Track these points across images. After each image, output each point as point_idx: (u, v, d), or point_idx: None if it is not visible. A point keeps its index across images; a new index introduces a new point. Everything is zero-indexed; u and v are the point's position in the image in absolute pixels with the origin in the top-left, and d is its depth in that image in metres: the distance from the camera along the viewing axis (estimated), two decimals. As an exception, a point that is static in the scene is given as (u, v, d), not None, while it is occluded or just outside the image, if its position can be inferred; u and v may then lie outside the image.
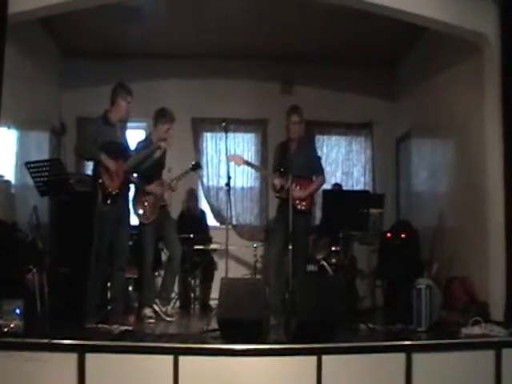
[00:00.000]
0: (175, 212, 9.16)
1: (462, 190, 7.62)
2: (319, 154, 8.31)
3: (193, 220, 9.19)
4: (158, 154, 7.03)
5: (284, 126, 7.07)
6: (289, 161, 6.62)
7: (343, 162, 10.33)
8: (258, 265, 8.87)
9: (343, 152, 10.38)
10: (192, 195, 9.48)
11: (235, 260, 9.33)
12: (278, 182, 6.95)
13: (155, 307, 7.04)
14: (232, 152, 9.41)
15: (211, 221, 9.84)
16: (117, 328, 5.84)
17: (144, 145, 7.12)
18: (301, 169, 6.82)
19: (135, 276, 7.44)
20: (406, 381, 5.26)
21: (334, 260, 7.79)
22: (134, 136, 7.47)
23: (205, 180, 10.08)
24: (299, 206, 6.80)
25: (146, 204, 7.12)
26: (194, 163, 7.59)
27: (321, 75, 10.05)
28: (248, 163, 7.31)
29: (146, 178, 7.06)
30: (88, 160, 7.79)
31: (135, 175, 6.85)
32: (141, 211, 7.09)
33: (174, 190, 7.49)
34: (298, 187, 6.84)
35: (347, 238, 7.48)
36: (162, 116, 7.24)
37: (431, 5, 6.81)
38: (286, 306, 6.20)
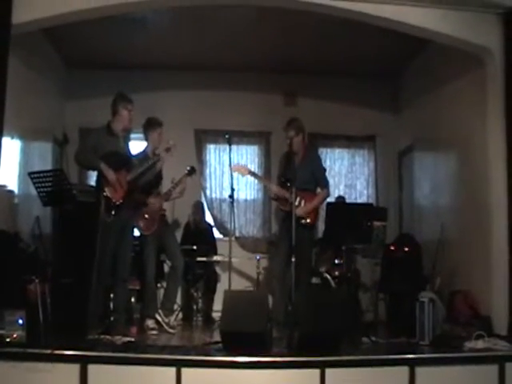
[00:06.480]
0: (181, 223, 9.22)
1: (465, 203, 7.61)
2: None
3: (199, 233, 9.17)
4: (159, 165, 7.04)
5: (287, 138, 7.05)
6: (292, 174, 6.60)
7: (346, 175, 10.31)
8: (261, 277, 8.83)
9: (346, 165, 10.36)
10: (198, 208, 9.45)
11: (238, 272, 9.31)
12: (277, 190, 6.95)
13: (158, 317, 7.04)
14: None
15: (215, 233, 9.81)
16: (119, 339, 5.84)
17: (140, 158, 7.09)
18: (305, 182, 6.81)
19: (137, 287, 7.44)
20: (409, 394, 5.25)
21: (337, 273, 7.73)
22: (137, 147, 7.48)
23: (208, 192, 10.03)
24: (303, 221, 6.76)
25: (146, 216, 7.12)
26: (189, 168, 7.53)
27: (324, 88, 10.06)
28: (252, 173, 7.29)
29: (145, 189, 7.07)
30: (87, 169, 7.87)
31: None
32: (141, 223, 7.10)
33: (180, 196, 7.55)
34: (303, 201, 6.81)
35: (350, 251, 7.47)
36: (149, 124, 7.32)
37: (434, 18, 6.81)
38: (288, 319, 6.18)
